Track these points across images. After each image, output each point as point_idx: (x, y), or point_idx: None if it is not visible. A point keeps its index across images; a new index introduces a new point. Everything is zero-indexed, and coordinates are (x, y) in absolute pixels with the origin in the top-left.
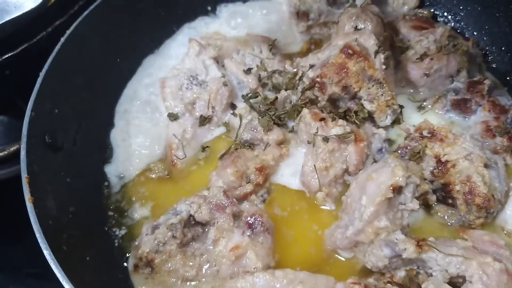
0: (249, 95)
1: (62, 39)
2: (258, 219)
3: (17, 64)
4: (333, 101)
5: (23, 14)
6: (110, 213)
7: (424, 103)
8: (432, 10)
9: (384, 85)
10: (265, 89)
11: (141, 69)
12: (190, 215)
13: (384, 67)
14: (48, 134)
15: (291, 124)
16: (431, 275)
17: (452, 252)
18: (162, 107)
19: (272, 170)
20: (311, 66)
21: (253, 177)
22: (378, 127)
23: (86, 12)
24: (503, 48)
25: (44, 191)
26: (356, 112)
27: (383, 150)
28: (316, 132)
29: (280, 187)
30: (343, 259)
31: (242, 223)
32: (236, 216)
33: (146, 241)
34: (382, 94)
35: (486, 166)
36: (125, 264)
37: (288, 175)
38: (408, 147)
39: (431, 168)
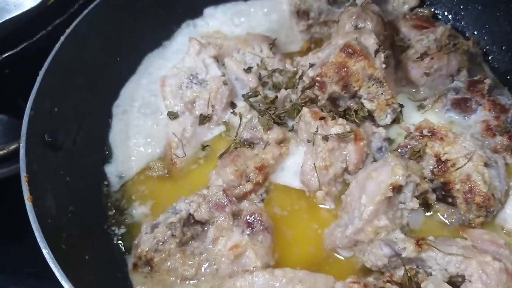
0: (249, 94)
1: (62, 38)
2: (258, 218)
3: (17, 63)
4: (333, 100)
5: (23, 13)
6: (110, 212)
7: (424, 102)
8: (432, 9)
9: (384, 84)
10: (265, 88)
11: (141, 68)
12: (190, 214)
13: (384, 66)
14: (47, 133)
15: (291, 123)
16: (431, 274)
17: (452, 251)
18: (162, 106)
19: (272, 169)
20: (311, 65)
21: (253, 176)
22: (378, 126)
23: (86, 11)
24: (503, 47)
25: (44, 190)
26: (356, 111)
27: (383, 149)
28: (316, 131)
29: (279, 186)
30: (343, 258)
31: (241, 222)
32: (235, 215)
33: (145, 240)
34: (382, 93)
35: (486, 165)
36: (124, 263)
37: (288, 174)
38: (408, 146)
39: (431, 167)
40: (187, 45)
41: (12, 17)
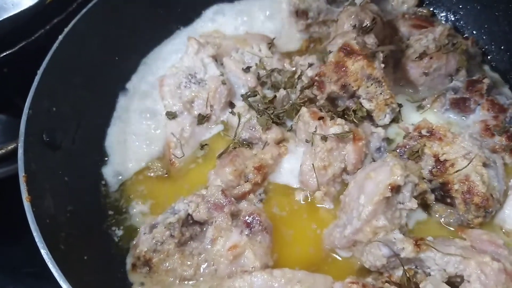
0: (248, 94)
1: (60, 37)
2: (256, 218)
3: (15, 62)
4: (331, 100)
5: (21, 12)
6: (109, 212)
7: (423, 102)
8: (431, 9)
9: (383, 84)
10: (264, 88)
11: (140, 67)
12: (188, 214)
13: (383, 66)
14: (46, 133)
15: (289, 123)
16: (429, 274)
17: (450, 252)
18: (161, 106)
19: (271, 169)
20: (310, 65)
21: (252, 176)
22: (377, 126)
23: (84, 10)
24: (502, 47)
25: (42, 190)
26: (354, 111)
27: (382, 149)
28: (315, 131)
29: (278, 186)
30: (341, 258)
31: (240, 222)
32: (234, 215)
33: (144, 240)
34: (381, 93)
35: (484, 165)
36: (123, 263)
37: (287, 174)
38: (407, 146)
39: (430, 167)
40: (185, 45)
41: (10, 16)
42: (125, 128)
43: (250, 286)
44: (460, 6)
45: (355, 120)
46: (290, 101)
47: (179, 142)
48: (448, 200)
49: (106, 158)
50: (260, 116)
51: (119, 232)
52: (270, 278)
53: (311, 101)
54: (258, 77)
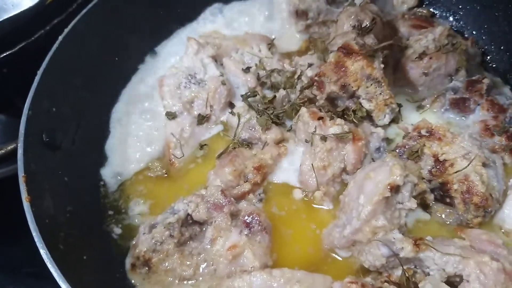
0: (247, 94)
1: (60, 38)
2: (256, 218)
3: (15, 62)
4: (331, 100)
5: (21, 12)
6: (108, 212)
7: (423, 102)
8: (431, 9)
9: (383, 84)
10: (263, 88)
11: (140, 68)
12: (188, 214)
13: (382, 66)
14: (45, 133)
15: (289, 123)
16: (429, 274)
17: (450, 251)
18: (160, 106)
19: (270, 169)
20: (310, 65)
21: (251, 176)
22: (377, 126)
23: (84, 11)
24: (502, 47)
25: (42, 190)
26: (354, 111)
27: (381, 149)
28: (314, 131)
29: (278, 186)
30: (341, 258)
31: (239, 222)
32: (233, 215)
33: (143, 240)
34: (380, 93)
35: (484, 165)
36: (122, 263)
37: (286, 174)
38: (406, 146)
39: (429, 167)
40: (185, 45)
41: (10, 17)
42: (124, 129)
43: (249, 285)
44: (460, 7)
45: (354, 120)
46: (290, 101)
47: (178, 142)
48: (448, 200)
49: (105, 159)
50: (260, 116)
51: (119, 232)
52: (269, 278)
53: (311, 101)
54: (258, 78)
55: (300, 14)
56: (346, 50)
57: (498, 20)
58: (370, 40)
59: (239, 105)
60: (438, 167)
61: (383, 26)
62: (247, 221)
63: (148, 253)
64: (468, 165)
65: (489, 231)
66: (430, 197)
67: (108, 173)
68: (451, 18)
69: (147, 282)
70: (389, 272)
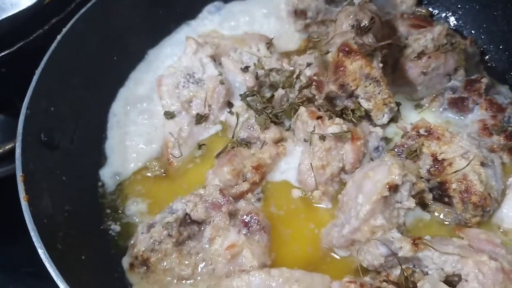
0: (246, 93)
1: (59, 37)
2: (254, 217)
3: (13, 62)
4: (330, 99)
5: (20, 12)
6: (106, 211)
7: (422, 102)
8: (430, 9)
9: (381, 84)
10: (262, 88)
11: (139, 67)
12: (186, 214)
13: (381, 65)
14: (44, 133)
15: (288, 122)
16: (427, 273)
17: (448, 251)
18: (159, 106)
19: (269, 168)
20: (309, 64)
21: (250, 175)
22: (375, 125)
23: (83, 10)
24: (500, 47)
25: (40, 190)
26: (353, 111)
27: (380, 148)
28: (313, 131)
29: (276, 185)
30: (339, 257)
31: (238, 222)
32: (232, 215)
33: (141, 240)
34: (379, 93)
35: (482, 164)
36: (121, 263)
37: (285, 174)
38: (405, 146)
39: (428, 167)
40: (184, 45)
41: (9, 16)
42: (123, 128)
43: (248, 285)
44: (459, 6)
45: (353, 120)
46: (289, 101)
47: (177, 141)
48: (446, 199)
49: (104, 159)
50: (259, 116)
51: (117, 232)
52: (268, 277)
53: (310, 100)
54: (257, 77)
55: (298, 13)
56: (345, 50)
57: (497, 19)
58: (369, 39)
59: (238, 104)
60: (436, 166)
61: (382, 25)
62: (246, 220)
63: (147, 253)
64: (467, 165)
65: (487, 231)
66: (429, 196)
67: (106, 173)
68: (450, 18)
69: (145, 281)
70: (387, 271)
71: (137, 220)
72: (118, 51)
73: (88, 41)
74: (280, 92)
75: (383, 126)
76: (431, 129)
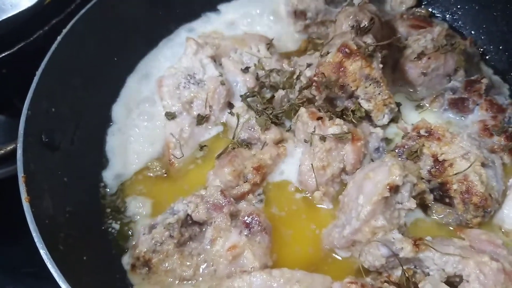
0: (246, 94)
1: (59, 38)
2: (256, 218)
3: (14, 63)
4: (330, 100)
5: (20, 12)
6: (108, 212)
7: (422, 102)
8: (429, 9)
9: (382, 84)
10: (263, 88)
11: (139, 68)
12: (188, 215)
13: (381, 66)
14: (45, 133)
15: (288, 123)
16: (428, 274)
17: (449, 252)
18: (160, 106)
19: (270, 169)
20: (309, 65)
21: (251, 176)
22: (376, 126)
23: (83, 11)
24: (500, 47)
25: (41, 190)
26: (353, 111)
27: (381, 149)
28: (313, 131)
29: (277, 186)
30: (340, 258)
31: (239, 223)
32: (233, 216)
33: (143, 241)
34: (379, 93)
35: (483, 165)
36: (122, 263)
37: (286, 174)
38: (406, 146)
39: (428, 167)
40: (184, 45)
41: (9, 17)
42: (124, 129)
43: (249, 286)
44: (458, 6)
45: (353, 120)
46: (289, 102)
47: (178, 142)
48: (447, 200)
49: (106, 159)
50: (259, 117)
51: (118, 233)
52: (269, 278)
53: (310, 101)
54: (257, 78)
55: (298, 14)
56: (345, 50)
57: (497, 19)
58: (368, 40)
59: (238, 105)
60: (437, 167)
61: (381, 26)
62: (247, 221)
63: (148, 254)
64: (469, 167)
65: (488, 231)
66: (430, 197)
67: (108, 174)
68: (449, 18)
69: (147, 282)
70: (388, 272)
71: (138, 221)
72: (118, 51)
73: (88, 42)
74: (281, 93)
75: (384, 127)
76: (432, 129)
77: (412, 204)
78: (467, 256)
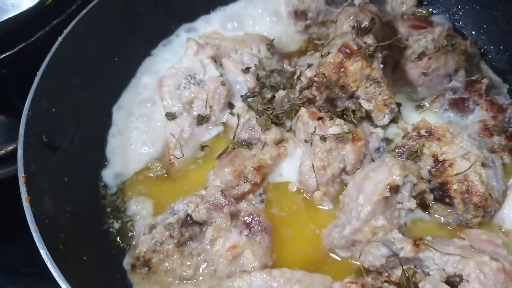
0: (247, 95)
1: (60, 39)
2: (256, 218)
3: (15, 63)
4: (330, 100)
5: (21, 13)
6: (108, 212)
7: (422, 102)
8: (430, 9)
9: (382, 84)
10: (263, 89)
11: (140, 68)
12: (188, 215)
13: (381, 66)
14: (45, 134)
15: (289, 123)
16: (428, 274)
17: (449, 251)
18: (160, 107)
19: (270, 169)
20: (309, 65)
21: (251, 176)
22: (376, 126)
23: (84, 12)
24: (501, 47)
25: (41, 191)
26: (353, 111)
27: (381, 149)
28: (314, 131)
29: (277, 186)
30: (341, 258)
31: (239, 223)
32: (233, 216)
33: (143, 241)
34: (379, 93)
35: (483, 165)
36: (122, 263)
37: (286, 175)
38: (406, 146)
39: (429, 167)
40: (185, 46)
41: (10, 18)
42: (124, 129)
43: (249, 286)
44: (459, 7)
45: (354, 121)
46: (289, 102)
47: (178, 142)
48: (447, 200)
49: (106, 160)
50: (260, 117)
51: (118, 233)
52: (269, 278)
53: (310, 101)
54: (258, 78)
55: (299, 14)
56: (346, 51)
57: (497, 20)
58: (369, 40)
59: (239, 105)
60: (437, 167)
61: (382, 26)
62: (247, 221)
63: (148, 254)
64: (470, 167)
65: (488, 231)
66: (430, 197)
67: (108, 174)
68: (450, 18)
69: (147, 282)
70: (389, 272)
71: (138, 221)
72: (119, 52)
73: (89, 43)
74: (281, 93)
75: (384, 127)
76: (432, 129)
77: (412, 204)
78: (467, 256)
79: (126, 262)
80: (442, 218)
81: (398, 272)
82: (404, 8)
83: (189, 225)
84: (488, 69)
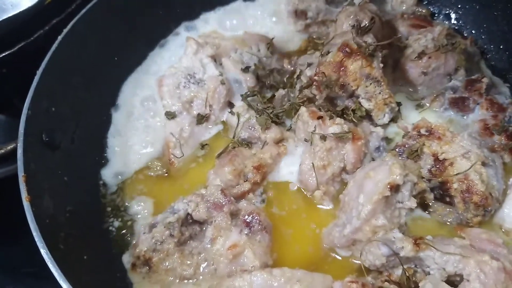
0: (247, 94)
1: (59, 38)
2: (256, 217)
3: (14, 62)
4: (330, 99)
5: (20, 12)
6: (108, 211)
7: (422, 102)
8: (430, 9)
9: (382, 84)
10: (263, 88)
11: (139, 68)
12: (188, 214)
13: (381, 65)
14: (45, 133)
15: (289, 122)
16: (429, 273)
17: (450, 251)
18: (160, 106)
19: (270, 168)
20: (309, 65)
21: (251, 175)
22: (376, 125)
23: (83, 11)
24: (501, 47)
25: (41, 190)
26: (353, 111)
27: (381, 148)
28: (314, 131)
29: (278, 185)
30: (341, 257)
31: (239, 222)
32: (233, 215)
33: (143, 240)
34: (379, 93)
35: (484, 164)
36: (123, 262)
37: (286, 174)
38: (406, 145)
39: (429, 167)
40: (184, 45)
41: (9, 17)
42: (124, 128)
43: (249, 285)
44: (459, 6)
45: (354, 120)
46: (289, 101)
47: (178, 142)
48: (447, 199)
49: (106, 159)
50: (259, 116)
51: (119, 232)
52: (270, 277)
53: (310, 100)
54: (257, 77)
55: (299, 13)
56: (345, 50)
57: (497, 19)
58: (369, 39)
59: (239, 104)
60: (437, 166)
61: (382, 25)
62: (247, 220)
63: (149, 253)
64: (471, 167)
65: (489, 230)
66: (430, 196)
67: (108, 173)
68: (450, 17)
69: (147, 281)
70: (389, 271)
71: (138, 220)
72: (119, 51)
73: (89, 42)
74: (281, 92)
75: (384, 126)
76: (432, 129)
77: (413, 203)
78: (468, 255)
79: (127, 261)
80: (442, 217)
81: (398, 272)
82: (404, 7)
83: (189, 224)
84: (488, 69)
